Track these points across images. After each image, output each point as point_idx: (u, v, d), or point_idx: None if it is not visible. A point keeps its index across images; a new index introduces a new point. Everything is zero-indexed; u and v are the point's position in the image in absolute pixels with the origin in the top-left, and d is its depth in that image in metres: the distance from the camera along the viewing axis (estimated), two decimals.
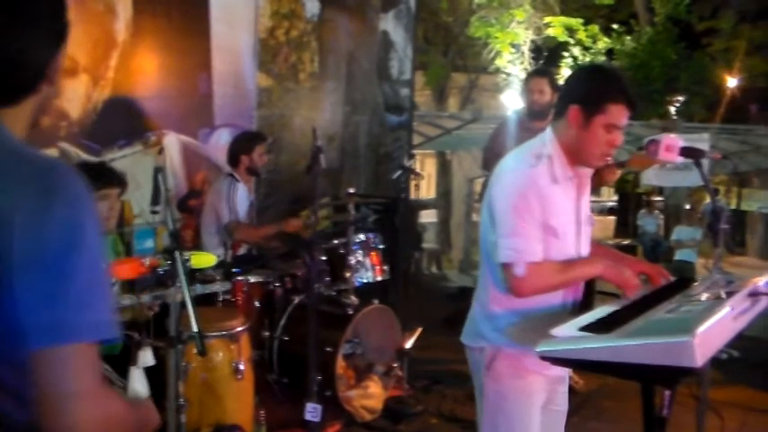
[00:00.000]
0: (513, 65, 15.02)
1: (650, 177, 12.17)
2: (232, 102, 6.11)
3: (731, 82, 16.59)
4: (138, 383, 2.41)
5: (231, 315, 4.01)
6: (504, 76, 15.28)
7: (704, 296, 2.26)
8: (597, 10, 16.41)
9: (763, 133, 13.07)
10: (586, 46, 15.77)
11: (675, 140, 2.76)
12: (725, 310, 1.98)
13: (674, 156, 2.75)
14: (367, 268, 5.07)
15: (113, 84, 5.11)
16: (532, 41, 15.08)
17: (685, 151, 2.76)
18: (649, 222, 13.84)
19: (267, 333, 4.68)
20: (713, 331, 1.87)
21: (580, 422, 4.59)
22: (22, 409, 1.13)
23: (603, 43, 16.20)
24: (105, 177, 3.30)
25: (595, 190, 2.87)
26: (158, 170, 5.22)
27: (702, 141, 9.49)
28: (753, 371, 5.54)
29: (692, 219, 10.35)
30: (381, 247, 5.24)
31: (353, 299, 4.77)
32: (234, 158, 5.04)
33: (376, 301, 4.82)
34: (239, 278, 4.57)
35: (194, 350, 2.62)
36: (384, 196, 6.98)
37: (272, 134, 6.28)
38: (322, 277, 4.77)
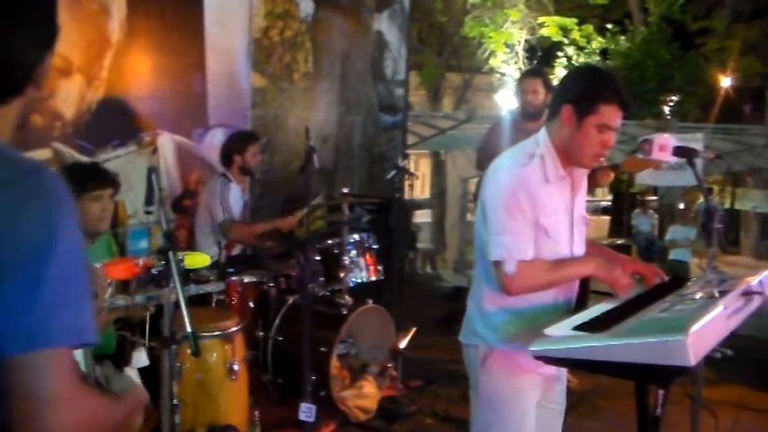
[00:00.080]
0: (507, 65, 15.05)
1: (644, 177, 12.18)
2: (226, 102, 6.11)
3: (725, 82, 16.63)
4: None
5: (225, 315, 4.00)
6: (498, 75, 15.31)
7: (698, 295, 2.26)
8: (591, 10, 16.44)
9: (757, 133, 13.12)
10: (581, 46, 15.78)
11: (669, 140, 2.76)
12: (718, 310, 1.99)
13: (667, 155, 2.75)
14: (361, 268, 5.07)
15: (107, 84, 5.11)
16: (527, 41, 15.11)
17: (678, 151, 2.76)
18: (644, 222, 13.85)
19: (261, 333, 4.68)
20: (707, 330, 1.88)
21: (574, 421, 4.59)
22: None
23: (598, 43, 16.22)
24: (98, 178, 3.28)
25: (589, 191, 2.88)
26: (152, 170, 5.19)
27: (696, 141, 9.49)
28: (746, 370, 5.54)
29: (686, 218, 10.39)
30: (375, 247, 5.23)
31: (348, 299, 4.77)
32: (227, 158, 5.03)
33: (370, 301, 4.81)
34: (233, 278, 4.56)
35: (188, 350, 2.61)
36: (378, 196, 6.99)
37: (267, 134, 6.28)
38: (316, 277, 4.77)
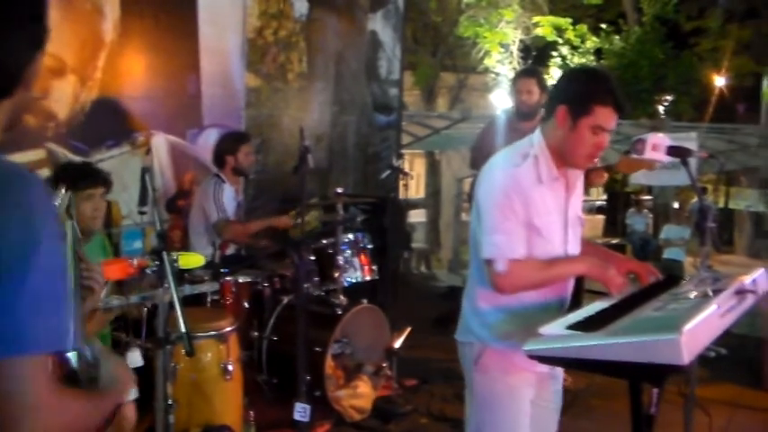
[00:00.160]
0: (501, 64, 15.04)
1: (639, 176, 12.16)
2: (220, 102, 6.10)
3: (719, 81, 16.66)
4: None
5: (220, 315, 4.00)
6: (492, 75, 15.30)
7: (692, 294, 2.27)
8: (585, 10, 16.45)
9: (751, 132, 13.16)
10: (575, 45, 15.80)
11: (662, 139, 2.77)
12: (712, 308, 1.99)
13: (660, 154, 2.75)
14: (356, 268, 5.07)
15: (101, 84, 5.10)
16: (521, 41, 15.10)
17: (672, 150, 2.76)
18: (638, 221, 13.87)
19: (256, 333, 4.67)
20: (700, 329, 1.88)
21: (569, 420, 4.59)
22: None
23: (592, 43, 16.24)
24: (89, 177, 3.28)
25: (583, 191, 2.88)
26: (146, 170, 5.19)
27: (690, 140, 9.51)
28: (740, 368, 5.56)
29: (680, 217, 10.42)
30: (370, 246, 5.24)
31: (342, 299, 4.77)
32: (219, 159, 5.01)
33: (365, 301, 4.82)
34: (228, 278, 4.55)
35: (183, 351, 2.60)
36: (373, 196, 6.99)
37: (261, 134, 6.28)
38: (311, 277, 4.76)
